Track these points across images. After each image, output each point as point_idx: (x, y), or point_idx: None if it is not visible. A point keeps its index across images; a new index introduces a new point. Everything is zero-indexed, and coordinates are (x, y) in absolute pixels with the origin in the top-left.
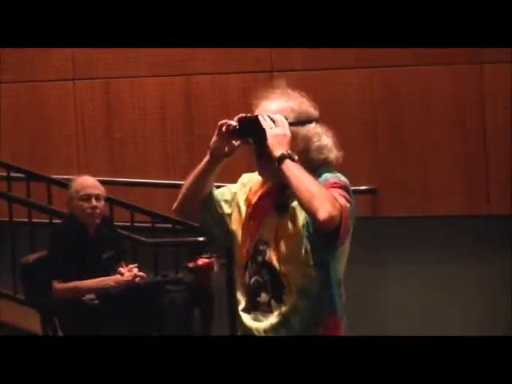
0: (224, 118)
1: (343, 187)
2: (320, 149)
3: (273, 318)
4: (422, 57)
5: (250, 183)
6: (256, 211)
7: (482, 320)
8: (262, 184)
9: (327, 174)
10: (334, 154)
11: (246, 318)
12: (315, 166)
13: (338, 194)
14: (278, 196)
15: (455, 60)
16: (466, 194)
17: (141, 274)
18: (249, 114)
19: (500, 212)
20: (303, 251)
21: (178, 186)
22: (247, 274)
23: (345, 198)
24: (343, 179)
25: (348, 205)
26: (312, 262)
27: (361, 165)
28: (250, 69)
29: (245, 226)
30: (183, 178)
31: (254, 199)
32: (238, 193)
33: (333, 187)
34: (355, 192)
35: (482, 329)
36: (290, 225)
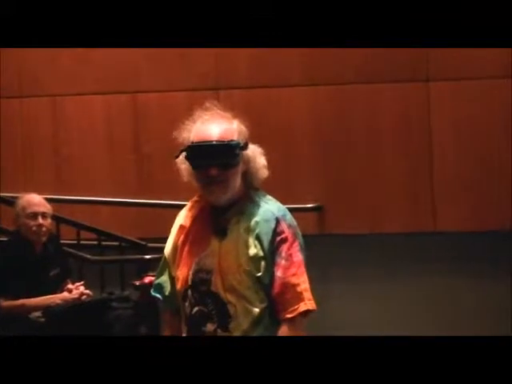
0: (171, 136)
1: (296, 237)
2: (263, 168)
3: None
4: (366, 74)
5: (182, 217)
6: (193, 238)
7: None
8: (196, 208)
9: (270, 207)
10: (267, 172)
11: None
12: (251, 185)
13: (298, 270)
14: (215, 221)
15: (400, 77)
16: (412, 211)
17: (87, 291)
18: (208, 141)
19: (446, 228)
20: (252, 280)
21: (125, 204)
22: (187, 303)
23: (302, 258)
24: (290, 219)
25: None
26: (259, 289)
27: (307, 182)
28: (195, 86)
29: (180, 253)
30: (130, 196)
31: (188, 224)
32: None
33: (291, 256)
34: (302, 210)
35: None
36: (233, 251)
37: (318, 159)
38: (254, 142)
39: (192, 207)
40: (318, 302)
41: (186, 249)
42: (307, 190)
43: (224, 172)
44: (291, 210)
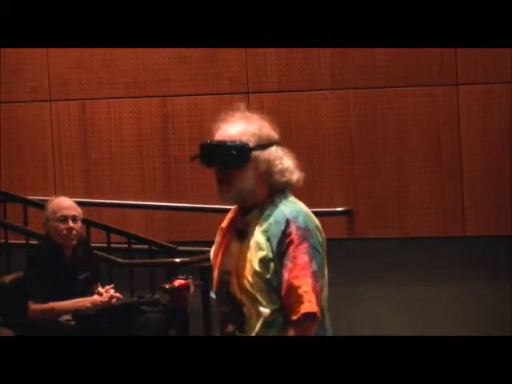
0: (200, 139)
1: (305, 238)
2: (282, 171)
3: None
4: (394, 78)
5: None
6: (222, 239)
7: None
8: (234, 210)
9: (285, 209)
10: (295, 176)
11: None
12: (277, 188)
13: (304, 272)
14: (239, 223)
15: (429, 81)
16: (441, 216)
17: (117, 294)
18: (209, 140)
19: (475, 234)
20: (263, 282)
21: (154, 207)
22: (217, 304)
23: (310, 260)
24: (302, 221)
25: (315, 267)
26: (271, 291)
27: (337, 186)
28: (225, 90)
29: (214, 255)
30: (159, 199)
31: (225, 225)
32: None
33: (295, 258)
34: (331, 214)
35: None
36: (248, 253)
37: (346, 163)
38: (283, 146)
39: (233, 209)
40: (346, 305)
41: (220, 250)
42: (336, 194)
43: (228, 172)
44: (320, 214)
